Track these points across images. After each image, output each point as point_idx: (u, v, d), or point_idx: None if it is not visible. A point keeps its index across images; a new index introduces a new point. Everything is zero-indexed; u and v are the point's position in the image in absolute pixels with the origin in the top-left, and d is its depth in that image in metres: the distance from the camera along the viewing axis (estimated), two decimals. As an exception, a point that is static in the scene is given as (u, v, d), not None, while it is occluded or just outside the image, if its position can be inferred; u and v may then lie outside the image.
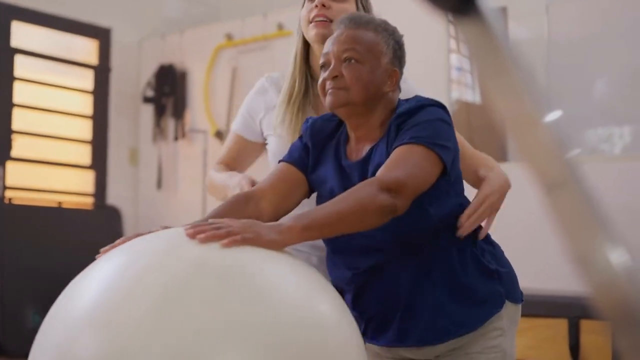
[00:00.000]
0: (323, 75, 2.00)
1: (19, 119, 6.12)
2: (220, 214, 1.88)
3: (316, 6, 2.31)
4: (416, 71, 5.31)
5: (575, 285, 0.84)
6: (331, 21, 2.30)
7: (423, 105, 1.95)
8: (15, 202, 6.03)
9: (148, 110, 6.80)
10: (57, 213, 6.21)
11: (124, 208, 6.66)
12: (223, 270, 1.46)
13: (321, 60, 2.02)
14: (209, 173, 2.45)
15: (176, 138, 6.61)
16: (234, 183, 2.21)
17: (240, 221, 1.62)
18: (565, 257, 0.76)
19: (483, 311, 1.97)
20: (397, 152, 1.88)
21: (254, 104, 2.49)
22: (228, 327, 1.35)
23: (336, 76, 1.97)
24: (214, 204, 6.19)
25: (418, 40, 5.30)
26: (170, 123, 6.69)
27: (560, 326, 3.74)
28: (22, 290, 5.64)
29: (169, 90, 6.68)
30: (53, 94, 6.40)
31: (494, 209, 2.07)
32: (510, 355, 2.04)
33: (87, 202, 6.59)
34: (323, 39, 2.31)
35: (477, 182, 2.18)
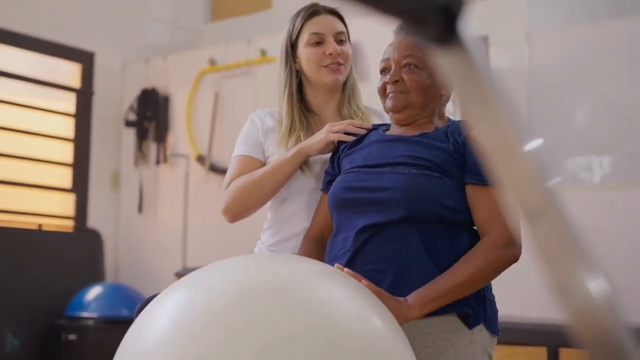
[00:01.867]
0: (383, 79, 2.12)
1: (1, 141, 6.09)
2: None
3: (330, 54, 2.44)
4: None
5: (555, 313, 0.84)
6: (343, 64, 2.47)
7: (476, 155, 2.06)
8: (-6, 224, 5.99)
9: (130, 134, 6.79)
10: (37, 235, 6.17)
11: (105, 231, 6.62)
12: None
13: (381, 66, 2.14)
14: (233, 184, 2.41)
15: (158, 162, 6.59)
16: (316, 139, 2.28)
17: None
18: (545, 285, 0.77)
19: (458, 305, 1.97)
20: (488, 199, 1.96)
21: (252, 129, 2.52)
22: None
23: (397, 80, 2.08)
24: (195, 228, 6.15)
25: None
26: (152, 147, 6.67)
27: (540, 354, 3.74)
28: (1, 314, 5.59)
29: (151, 115, 6.67)
30: (35, 117, 6.37)
31: None
32: None
33: (68, 225, 6.55)
34: (335, 85, 2.49)
35: None
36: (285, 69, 2.51)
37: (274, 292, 1.45)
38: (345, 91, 2.53)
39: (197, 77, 6.46)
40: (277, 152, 2.42)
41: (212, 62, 6.39)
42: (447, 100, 2.17)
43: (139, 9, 7.07)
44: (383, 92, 2.13)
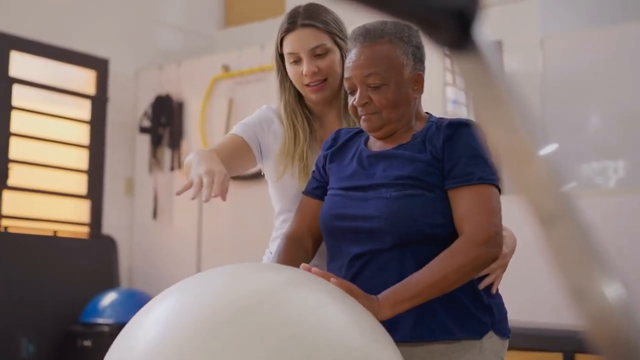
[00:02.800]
0: (352, 100, 2.03)
1: (16, 148, 6.12)
2: (282, 263, 2.02)
3: (306, 75, 2.32)
4: (412, 103, 5.32)
5: (570, 318, 0.84)
6: (325, 80, 2.34)
7: (462, 123, 2.01)
8: (11, 230, 6.01)
9: (144, 140, 6.81)
10: (53, 242, 6.19)
11: (120, 237, 6.64)
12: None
13: (346, 86, 2.05)
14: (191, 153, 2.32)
15: (172, 168, 6.60)
16: (194, 173, 2.07)
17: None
18: (560, 290, 0.76)
19: (467, 327, 1.96)
20: (473, 197, 1.91)
21: (260, 118, 2.48)
22: None
23: (366, 103, 2.00)
24: (209, 234, 6.16)
25: (414, 72, 5.33)
26: (166, 153, 6.69)
27: (555, 360, 3.72)
28: (17, 320, 5.61)
29: (165, 121, 6.69)
30: (50, 124, 6.40)
31: (503, 268, 2.11)
32: None
33: (83, 231, 6.57)
34: (325, 100, 2.39)
35: None
36: (278, 79, 2.45)
37: (244, 312, 1.44)
38: (342, 99, 2.40)
39: (211, 83, 6.48)
40: (284, 167, 2.39)
41: (226, 69, 6.40)
42: (420, 95, 2.13)
43: (152, 16, 7.10)
44: (355, 113, 2.05)
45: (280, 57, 2.42)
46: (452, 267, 1.80)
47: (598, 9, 4.89)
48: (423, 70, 2.11)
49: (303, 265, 1.83)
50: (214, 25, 7.45)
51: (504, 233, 2.08)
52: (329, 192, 2.12)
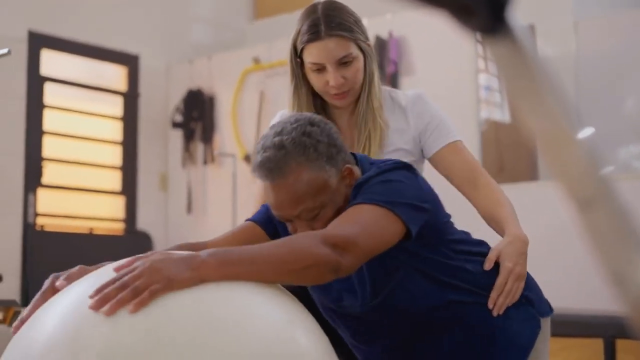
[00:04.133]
0: (290, 228, 1.85)
1: (50, 147, 6.18)
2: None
3: (332, 86, 2.24)
4: (445, 91, 5.33)
5: (611, 304, 0.83)
6: (349, 90, 2.27)
7: (382, 171, 1.83)
8: (46, 228, 6.07)
9: (177, 135, 6.84)
10: (89, 239, 6.25)
11: (154, 233, 6.69)
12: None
13: (281, 218, 1.86)
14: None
15: (205, 162, 6.63)
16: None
17: (148, 264, 1.43)
18: (600, 275, 0.75)
19: (526, 340, 1.96)
20: (347, 211, 1.75)
21: None
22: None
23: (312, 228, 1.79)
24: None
25: (447, 60, 5.31)
26: (199, 147, 6.72)
27: (596, 346, 3.70)
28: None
29: (197, 115, 6.72)
30: (83, 121, 6.45)
31: (520, 277, 1.97)
32: None
33: (118, 227, 6.63)
34: (348, 104, 2.34)
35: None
36: (293, 84, 2.36)
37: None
38: (358, 106, 2.33)
39: (241, 77, 6.49)
40: None
41: (257, 61, 6.41)
42: (354, 175, 1.88)
43: (182, 11, 7.12)
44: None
45: (295, 59, 2.33)
46: (286, 250, 1.55)
47: (631, -10, 4.83)
48: (344, 157, 1.87)
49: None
50: (244, 18, 7.46)
51: (507, 242, 2.02)
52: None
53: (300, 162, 1.76)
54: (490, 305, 1.91)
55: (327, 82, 2.25)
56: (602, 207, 0.73)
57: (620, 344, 3.66)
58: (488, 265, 1.94)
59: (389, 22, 5.44)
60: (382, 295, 1.87)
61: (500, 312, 1.90)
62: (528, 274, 2.05)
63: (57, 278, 1.66)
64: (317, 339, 1.53)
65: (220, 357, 1.31)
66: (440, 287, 1.88)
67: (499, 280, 1.93)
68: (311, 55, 2.25)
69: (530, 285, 2.02)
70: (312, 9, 2.28)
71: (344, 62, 2.23)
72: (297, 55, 2.32)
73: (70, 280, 1.62)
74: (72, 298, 1.46)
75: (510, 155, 5.24)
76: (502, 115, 5.34)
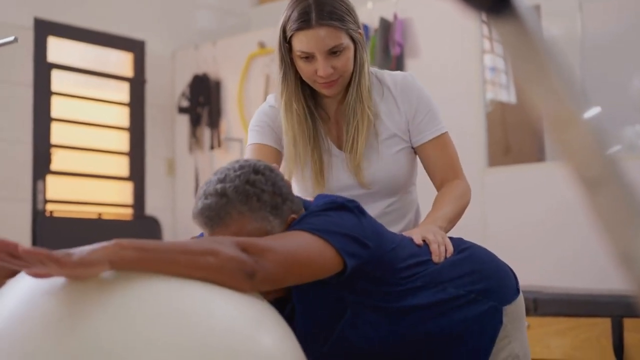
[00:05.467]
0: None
1: (58, 133, 6.19)
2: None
3: (321, 76, 2.21)
4: (450, 73, 5.32)
5: (618, 283, 0.83)
6: (338, 78, 2.24)
7: (320, 210, 1.78)
8: (56, 214, 6.09)
9: (183, 121, 6.84)
10: (97, 224, 6.26)
11: (163, 218, 6.70)
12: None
13: None
14: None
15: (212, 147, 6.64)
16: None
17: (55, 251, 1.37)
18: (608, 255, 0.76)
19: (487, 336, 1.94)
20: (293, 237, 1.68)
21: (262, 123, 2.43)
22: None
23: None
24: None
25: (452, 41, 5.29)
26: (205, 132, 6.72)
27: (604, 325, 3.70)
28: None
29: (203, 100, 6.72)
30: (90, 107, 6.46)
31: (444, 238, 2.00)
32: (525, 355, 1.99)
33: (127, 213, 6.64)
34: (337, 93, 2.31)
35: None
36: (282, 70, 2.32)
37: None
38: (347, 96, 2.30)
39: (247, 61, 6.48)
40: (289, 173, 2.33)
41: (262, 45, 6.41)
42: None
43: (187, -4, 7.11)
44: None
45: (284, 44, 2.30)
46: (209, 242, 1.54)
47: (636, -31, 4.81)
48: (290, 206, 1.82)
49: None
50: (249, 3, 7.44)
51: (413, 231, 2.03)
52: None
53: (242, 211, 1.72)
54: (434, 259, 1.91)
55: (315, 70, 2.22)
56: (609, 187, 0.74)
57: (628, 323, 3.67)
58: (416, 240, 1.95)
59: (394, 4, 5.42)
60: (332, 338, 1.84)
61: (441, 259, 1.92)
62: (489, 257, 2.03)
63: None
64: (284, 337, 1.50)
65: (181, 352, 1.30)
66: (390, 317, 1.84)
67: (432, 248, 1.95)
68: (301, 44, 2.21)
69: (489, 276, 1.97)
70: None
71: (333, 52, 2.20)
72: (285, 41, 2.28)
73: None
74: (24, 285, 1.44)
75: (517, 136, 5.24)
76: (508, 96, 5.33)
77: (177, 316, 1.34)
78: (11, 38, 3.74)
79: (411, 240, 1.98)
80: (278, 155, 2.39)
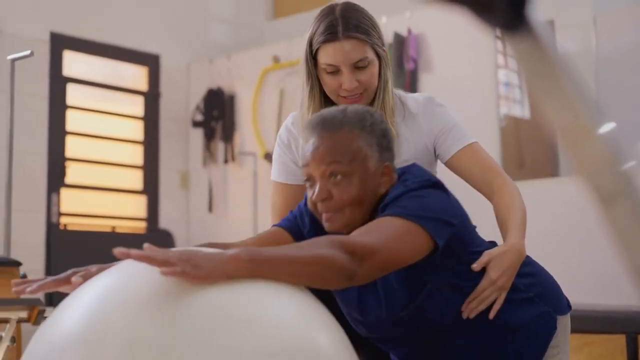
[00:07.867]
0: (309, 193, 1.86)
1: (72, 147, 6.22)
2: None
3: (346, 89, 2.21)
4: (464, 88, 5.32)
5: (633, 299, 0.83)
6: (362, 93, 2.24)
7: (410, 189, 1.80)
8: (70, 227, 6.11)
9: (197, 134, 6.86)
10: (111, 238, 6.28)
11: (176, 231, 6.71)
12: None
13: (304, 176, 1.88)
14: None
15: (226, 161, 6.65)
16: None
17: (176, 251, 1.46)
18: (623, 270, 0.75)
19: (542, 339, 1.97)
20: (372, 222, 1.73)
21: (284, 157, 2.40)
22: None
23: (325, 198, 1.81)
24: (265, 226, 6.22)
25: (466, 56, 5.29)
26: (219, 146, 6.74)
27: (618, 342, 3.68)
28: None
29: (217, 114, 6.73)
30: (104, 121, 6.49)
31: (502, 289, 1.92)
32: None
33: (140, 226, 6.66)
34: None
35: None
36: (308, 85, 2.30)
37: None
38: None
39: (261, 75, 6.50)
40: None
41: (276, 60, 6.42)
42: (388, 189, 1.88)
43: (201, 10, 7.14)
44: (314, 209, 1.85)
45: (311, 59, 2.29)
46: (313, 249, 1.54)
47: (651, -16, 4.80)
48: (391, 159, 1.90)
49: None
50: (263, 16, 7.47)
51: (501, 250, 1.96)
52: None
53: (354, 129, 1.83)
54: (463, 308, 1.89)
55: (340, 84, 2.22)
56: (624, 202, 0.73)
57: (643, 339, 3.64)
58: (477, 266, 1.90)
59: (408, 19, 5.43)
60: (410, 308, 1.87)
61: (471, 316, 1.89)
62: (546, 271, 2.06)
63: (75, 273, 1.68)
64: (337, 337, 1.52)
65: (238, 353, 1.31)
66: (465, 297, 1.89)
67: (479, 287, 1.90)
68: (327, 56, 2.22)
69: (547, 283, 2.03)
70: (330, 10, 2.25)
71: (359, 66, 2.21)
72: (312, 55, 2.28)
73: (86, 278, 1.64)
74: (93, 292, 1.47)
75: (531, 151, 5.22)
76: (522, 111, 5.32)
77: (236, 318, 1.37)
78: (27, 52, 3.77)
79: (493, 242, 2.04)
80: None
